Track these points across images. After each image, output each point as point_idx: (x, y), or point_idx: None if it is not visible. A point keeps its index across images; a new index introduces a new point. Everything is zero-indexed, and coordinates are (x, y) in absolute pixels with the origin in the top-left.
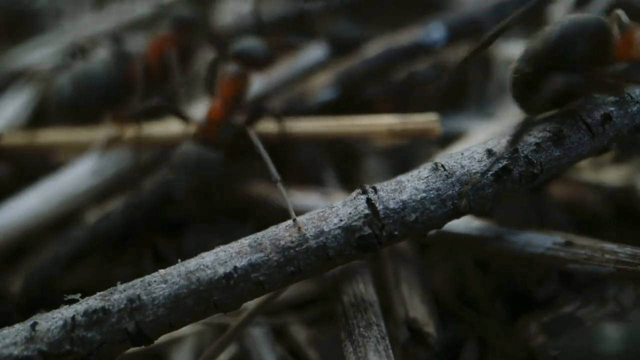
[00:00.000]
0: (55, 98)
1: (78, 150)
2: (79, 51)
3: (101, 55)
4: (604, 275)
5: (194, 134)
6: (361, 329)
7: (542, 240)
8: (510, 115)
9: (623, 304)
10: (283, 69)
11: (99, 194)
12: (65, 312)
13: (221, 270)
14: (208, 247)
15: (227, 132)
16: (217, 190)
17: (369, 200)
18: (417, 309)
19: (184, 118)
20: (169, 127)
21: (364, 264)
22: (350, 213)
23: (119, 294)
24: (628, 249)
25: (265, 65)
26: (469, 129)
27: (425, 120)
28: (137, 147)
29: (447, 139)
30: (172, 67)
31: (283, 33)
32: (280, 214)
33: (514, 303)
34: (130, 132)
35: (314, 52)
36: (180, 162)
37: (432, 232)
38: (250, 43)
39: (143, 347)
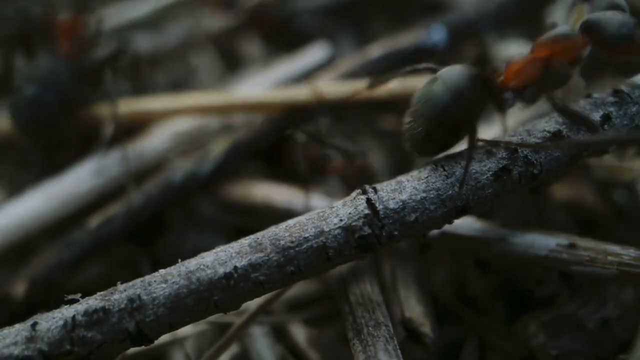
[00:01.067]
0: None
1: None
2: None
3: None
4: (607, 278)
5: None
6: (370, 328)
7: (545, 242)
8: (509, 116)
9: (623, 304)
10: (285, 69)
11: (102, 194)
12: (65, 312)
13: (221, 270)
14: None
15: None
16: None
17: (369, 200)
18: (413, 309)
19: None
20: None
21: (369, 263)
22: (350, 213)
23: (119, 294)
24: (632, 251)
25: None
26: None
27: None
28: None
29: None
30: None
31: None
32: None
33: (514, 303)
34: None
35: (316, 52)
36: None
37: (435, 233)
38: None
39: (143, 347)
